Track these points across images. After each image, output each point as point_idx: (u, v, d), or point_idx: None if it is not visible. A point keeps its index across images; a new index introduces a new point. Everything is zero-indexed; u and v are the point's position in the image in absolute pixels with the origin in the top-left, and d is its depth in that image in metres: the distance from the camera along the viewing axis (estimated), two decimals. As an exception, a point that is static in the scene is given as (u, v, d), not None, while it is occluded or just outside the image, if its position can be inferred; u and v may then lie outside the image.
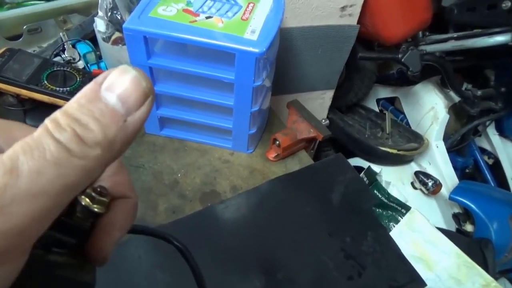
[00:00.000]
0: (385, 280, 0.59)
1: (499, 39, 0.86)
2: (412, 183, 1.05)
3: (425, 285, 0.61)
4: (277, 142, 0.72)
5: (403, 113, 1.27)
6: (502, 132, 1.19)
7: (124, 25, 0.59)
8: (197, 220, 0.63)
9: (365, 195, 0.73)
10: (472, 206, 0.94)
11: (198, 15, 0.61)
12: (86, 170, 0.15)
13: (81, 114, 0.15)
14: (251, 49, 0.57)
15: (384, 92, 1.35)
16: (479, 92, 1.06)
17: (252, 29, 0.60)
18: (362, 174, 0.92)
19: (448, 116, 1.10)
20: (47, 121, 0.15)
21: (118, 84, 0.16)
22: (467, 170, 1.24)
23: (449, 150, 1.12)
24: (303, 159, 0.76)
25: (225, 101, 0.66)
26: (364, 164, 1.09)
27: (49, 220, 0.15)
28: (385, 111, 1.30)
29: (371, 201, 0.73)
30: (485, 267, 0.82)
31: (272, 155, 0.75)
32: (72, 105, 0.15)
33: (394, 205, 0.81)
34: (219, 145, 0.75)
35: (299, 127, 0.76)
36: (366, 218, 0.68)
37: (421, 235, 0.77)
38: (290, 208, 0.67)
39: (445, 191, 1.05)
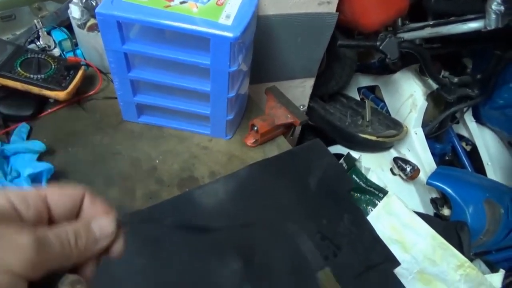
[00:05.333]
0: (360, 260, 0.60)
1: (473, 25, 0.88)
2: (391, 169, 1.06)
3: (399, 264, 0.62)
4: (255, 128, 0.73)
5: (383, 101, 1.28)
6: (478, 119, 1.22)
7: (96, 10, 0.58)
8: (175, 205, 0.63)
9: (343, 179, 0.74)
10: (449, 190, 0.96)
11: (173, 0, 0.61)
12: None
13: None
14: (225, 33, 0.57)
15: (365, 81, 1.36)
16: (455, 79, 1.08)
17: (227, 14, 0.60)
18: (341, 160, 0.93)
19: (426, 103, 1.12)
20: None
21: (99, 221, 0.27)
22: (446, 158, 1.26)
23: (428, 137, 1.14)
24: (281, 145, 0.77)
25: (202, 87, 0.66)
26: (345, 151, 1.10)
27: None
28: (366, 100, 1.32)
29: (349, 185, 0.74)
30: (461, 249, 0.85)
31: (250, 141, 0.75)
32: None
33: (371, 189, 0.83)
34: (198, 131, 0.75)
35: (276, 113, 0.76)
36: (343, 201, 0.70)
37: (398, 218, 0.79)
38: (268, 193, 0.67)
39: (423, 177, 1.07)
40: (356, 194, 0.83)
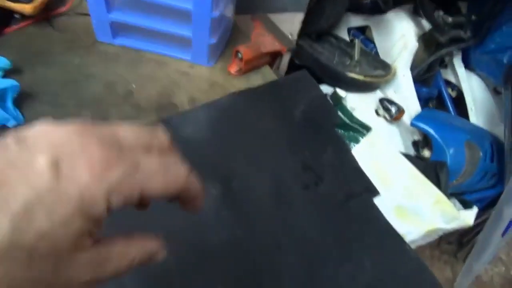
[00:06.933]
0: (341, 190, 0.60)
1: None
2: (376, 111, 1.05)
3: (379, 194, 0.62)
4: (239, 55, 0.69)
5: (373, 43, 1.24)
6: (467, 65, 1.20)
7: None
8: (153, 130, 0.60)
9: (329, 112, 0.72)
10: (431, 131, 0.96)
11: None
12: None
13: None
14: None
15: (356, 21, 1.30)
16: (450, 19, 1.04)
17: None
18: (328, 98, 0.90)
19: (417, 44, 1.09)
20: None
21: None
22: (430, 105, 1.25)
23: (415, 80, 1.12)
24: (267, 75, 0.73)
25: (183, 4, 0.61)
26: (331, 91, 1.07)
27: None
28: (355, 40, 1.27)
29: (335, 118, 0.72)
30: (438, 188, 0.86)
31: (234, 69, 0.71)
32: None
33: (356, 126, 0.81)
34: (178, 56, 0.71)
35: (263, 40, 0.72)
36: (327, 134, 0.68)
37: (380, 155, 0.79)
38: (250, 123, 0.65)
39: (407, 120, 1.06)
40: (340, 131, 0.81)
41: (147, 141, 0.22)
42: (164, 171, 0.21)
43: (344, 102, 0.92)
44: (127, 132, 0.21)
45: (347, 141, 0.81)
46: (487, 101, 1.19)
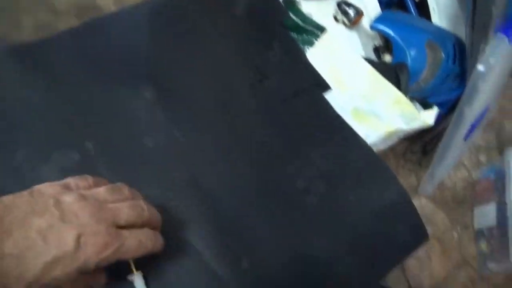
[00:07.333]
0: (289, 86, 0.56)
1: None
2: (334, 17, 0.98)
3: (329, 88, 0.59)
4: None
5: None
6: (430, -36, 1.12)
7: None
8: (74, 36, 0.53)
9: (276, 9, 0.66)
10: (391, 32, 0.91)
11: None
12: None
13: None
14: None
15: None
16: None
17: None
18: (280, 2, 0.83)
19: None
20: None
21: None
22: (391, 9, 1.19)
23: (376, -18, 1.05)
24: (204, -29, 0.65)
25: None
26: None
27: None
28: None
29: (283, 15, 0.66)
30: (399, 89, 0.83)
31: (165, -36, 0.62)
32: None
33: (309, 27, 0.75)
34: (98, -47, 0.61)
35: None
36: (274, 30, 0.62)
37: (336, 56, 0.74)
38: (186, 22, 0.58)
39: (367, 25, 1.01)
40: (293, 34, 0.76)
41: (135, 220, 0.32)
42: (139, 247, 0.31)
43: (298, 6, 0.85)
44: (126, 214, 0.32)
45: (301, 45, 0.76)
46: (450, 2, 1.14)
